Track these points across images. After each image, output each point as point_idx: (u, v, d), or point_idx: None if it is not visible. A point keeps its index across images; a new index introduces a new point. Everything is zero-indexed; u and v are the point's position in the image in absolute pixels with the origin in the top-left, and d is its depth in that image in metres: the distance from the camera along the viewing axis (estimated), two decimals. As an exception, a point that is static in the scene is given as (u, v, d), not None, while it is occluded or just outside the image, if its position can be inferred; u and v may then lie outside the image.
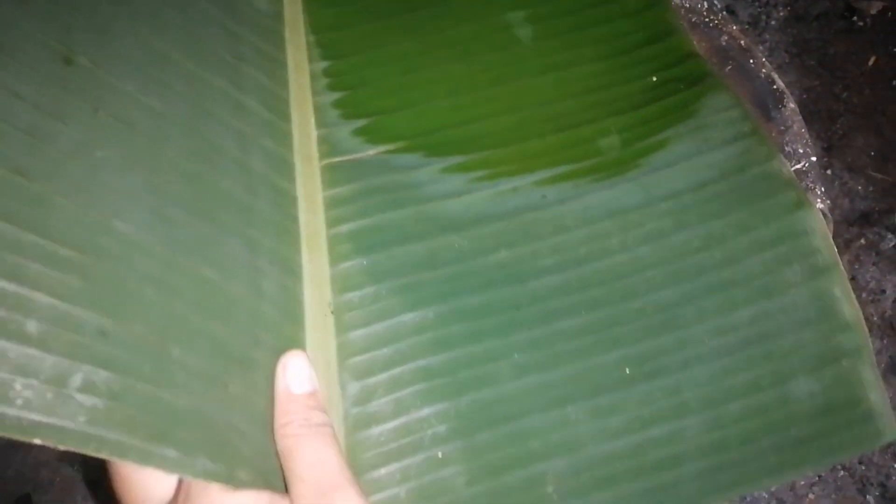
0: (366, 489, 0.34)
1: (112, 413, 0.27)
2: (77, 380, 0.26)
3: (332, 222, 0.40)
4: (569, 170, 0.42)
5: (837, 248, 0.37)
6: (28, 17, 0.33)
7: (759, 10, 1.04)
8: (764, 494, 0.82)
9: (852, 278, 0.89)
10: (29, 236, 0.28)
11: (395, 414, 0.35)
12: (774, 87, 0.45)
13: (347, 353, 0.36)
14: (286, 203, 0.39)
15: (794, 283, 0.37)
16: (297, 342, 0.36)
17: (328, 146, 0.43)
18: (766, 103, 0.45)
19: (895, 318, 0.88)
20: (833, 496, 0.82)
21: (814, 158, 0.43)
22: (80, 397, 0.26)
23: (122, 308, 0.29)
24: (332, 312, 0.37)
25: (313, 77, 0.46)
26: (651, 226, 0.39)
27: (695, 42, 0.47)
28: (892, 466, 0.82)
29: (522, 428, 0.35)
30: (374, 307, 0.37)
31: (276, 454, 0.32)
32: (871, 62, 1.01)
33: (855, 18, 1.03)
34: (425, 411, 0.35)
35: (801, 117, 0.45)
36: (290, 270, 0.37)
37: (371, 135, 0.43)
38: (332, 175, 0.42)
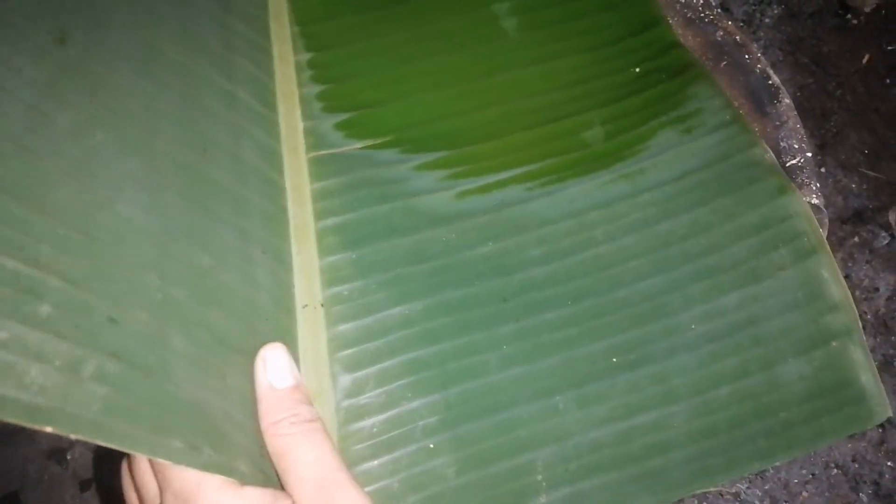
0: (359, 481, 0.34)
1: (122, 403, 0.26)
2: (90, 367, 0.26)
3: (319, 215, 0.40)
4: (554, 162, 0.42)
5: (831, 245, 0.38)
6: None
7: (753, 7, 1.05)
8: (757, 492, 0.83)
9: (846, 276, 0.90)
10: (36, 216, 0.27)
11: (386, 406, 0.36)
12: (769, 82, 0.46)
13: (338, 345, 0.37)
14: (276, 194, 0.39)
15: (781, 266, 0.37)
16: (290, 333, 0.36)
17: (314, 139, 0.43)
18: (761, 98, 0.45)
19: (888, 316, 0.89)
20: (826, 494, 0.82)
21: (809, 154, 0.44)
22: (93, 385, 0.26)
23: (129, 295, 0.29)
24: (321, 305, 0.38)
25: (298, 68, 0.46)
26: (636, 216, 0.40)
27: (689, 37, 0.48)
28: (886, 464, 0.83)
29: (510, 418, 0.35)
30: (363, 301, 0.38)
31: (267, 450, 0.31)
32: (864, 60, 1.01)
33: (849, 16, 1.04)
34: (415, 403, 0.36)
35: (795, 113, 0.46)
36: (282, 261, 0.38)
37: (353, 129, 0.44)
38: (319, 168, 0.42)
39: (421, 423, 0.35)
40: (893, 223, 0.92)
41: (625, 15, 0.47)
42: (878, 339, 0.88)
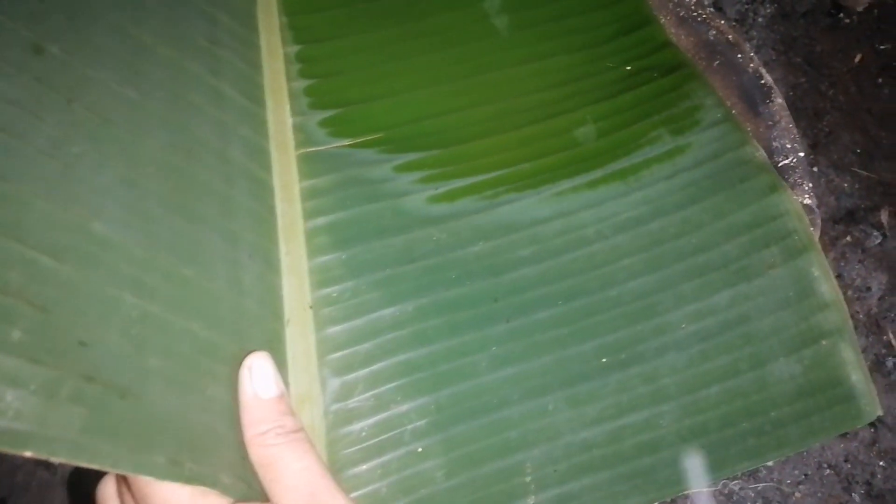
0: (347, 485, 0.34)
1: (100, 423, 0.27)
2: (66, 390, 0.26)
3: (308, 214, 0.40)
4: (545, 161, 0.42)
5: (823, 245, 0.38)
6: None
7: (746, 6, 1.05)
8: (750, 493, 0.83)
9: (838, 276, 0.90)
10: (7, 242, 0.27)
11: (376, 409, 0.36)
12: (762, 82, 0.46)
13: (327, 348, 0.37)
14: (263, 193, 0.39)
15: (771, 265, 0.37)
16: (278, 337, 0.36)
17: (303, 135, 0.43)
18: (754, 98, 0.46)
19: (881, 316, 0.90)
20: (819, 494, 0.83)
21: (801, 154, 0.44)
22: (70, 407, 0.26)
23: (100, 316, 0.29)
24: (310, 307, 0.37)
25: (287, 61, 0.45)
26: (628, 214, 0.40)
27: (682, 36, 0.48)
28: (878, 464, 0.84)
29: (500, 419, 0.35)
30: (353, 302, 0.38)
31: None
32: (857, 59, 1.02)
33: (841, 15, 1.04)
34: (405, 406, 0.36)
35: (788, 113, 0.46)
36: (269, 264, 0.38)
37: (338, 127, 0.43)
38: (309, 165, 0.42)
39: (410, 426, 0.35)
40: (886, 223, 0.93)
41: (616, 13, 0.48)
42: (870, 339, 0.88)
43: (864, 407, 0.35)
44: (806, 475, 0.83)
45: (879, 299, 0.90)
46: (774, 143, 0.44)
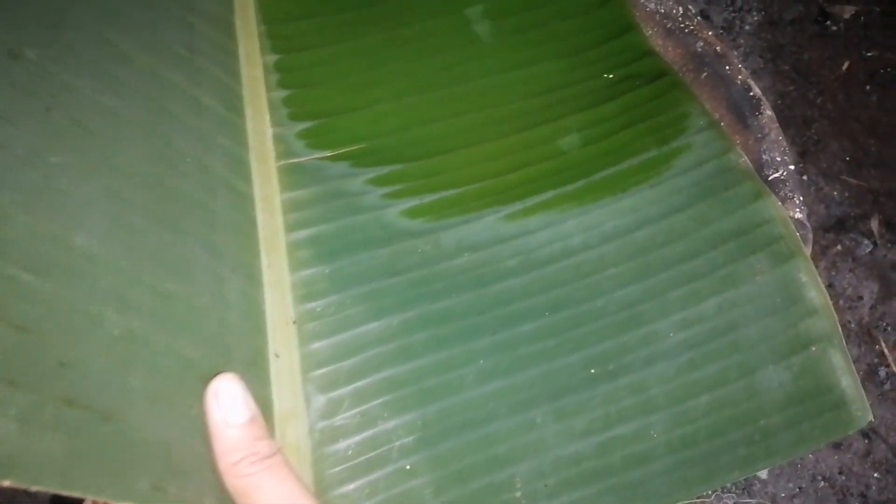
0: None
1: (82, 449, 0.26)
2: (46, 415, 0.26)
3: (290, 227, 0.40)
4: (529, 171, 0.42)
5: (813, 254, 0.39)
6: None
7: (733, 14, 1.07)
8: (744, 507, 0.83)
9: (829, 285, 0.91)
10: None
11: (362, 427, 0.35)
12: (751, 94, 0.47)
13: (311, 364, 0.37)
14: (244, 205, 0.39)
15: (758, 272, 0.38)
16: (261, 354, 0.36)
17: (284, 146, 0.43)
18: (743, 110, 0.46)
19: (872, 325, 0.91)
20: (814, 507, 0.83)
21: (792, 167, 0.45)
22: (50, 434, 0.25)
23: (81, 335, 0.28)
24: (294, 322, 0.37)
25: (266, 70, 0.45)
26: (613, 223, 0.40)
27: (669, 48, 0.49)
28: (873, 476, 0.84)
29: (488, 434, 0.35)
30: (338, 316, 0.38)
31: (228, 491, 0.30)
32: (845, 67, 1.04)
33: (829, 23, 1.06)
34: (392, 423, 0.36)
35: (777, 125, 0.46)
36: (251, 277, 0.37)
37: (317, 139, 0.43)
38: (290, 177, 0.42)
39: (397, 442, 0.35)
40: (876, 231, 0.94)
41: (598, 20, 0.48)
42: (862, 349, 0.89)
43: (856, 413, 0.35)
44: (800, 488, 0.84)
45: (871, 308, 0.91)
46: (764, 156, 0.45)
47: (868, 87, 1.02)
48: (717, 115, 0.45)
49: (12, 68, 0.32)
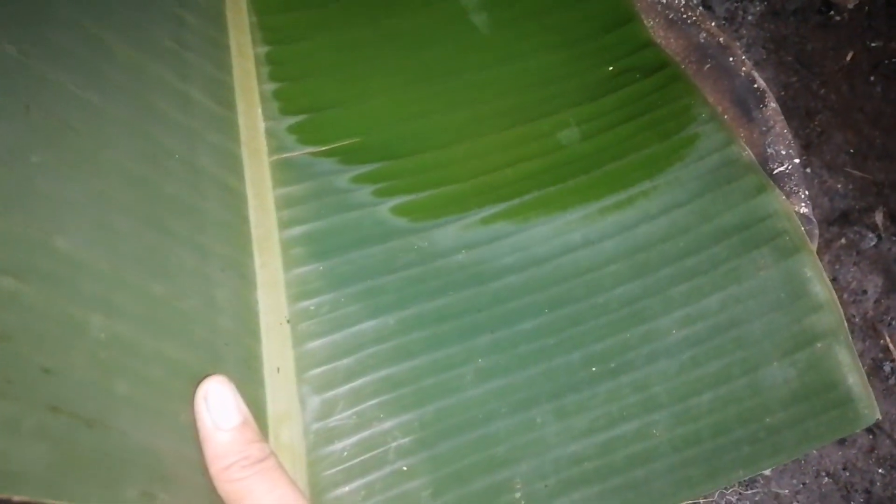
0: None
1: (67, 457, 0.26)
2: (30, 423, 0.25)
3: (284, 223, 0.39)
4: (528, 166, 0.42)
5: (817, 248, 0.38)
6: None
7: (735, 4, 1.06)
8: (747, 503, 0.83)
9: (833, 279, 0.91)
10: None
11: (358, 428, 0.35)
12: (755, 85, 0.46)
13: (306, 364, 0.36)
14: (236, 203, 0.39)
15: (762, 267, 0.38)
16: (254, 355, 0.35)
17: (276, 141, 0.42)
18: (747, 103, 0.46)
19: (877, 320, 0.90)
20: (818, 503, 0.83)
21: (797, 161, 0.44)
22: (34, 442, 0.25)
23: (65, 340, 0.28)
24: (287, 321, 0.37)
25: (258, 62, 0.45)
26: (613, 219, 0.40)
27: (672, 40, 0.48)
28: (877, 472, 0.84)
29: (487, 434, 0.35)
30: (333, 315, 0.37)
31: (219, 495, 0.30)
32: (848, 57, 1.03)
33: (832, 13, 1.05)
34: (388, 424, 0.35)
35: (783, 118, 0.46)
36: (243, 277, 0.37)
37: (308, 133, 0.43)
38: (283, 172, 0.41)
39: (394, 444, 0.35)
40: (880, 224, 0.94)
41: (598, 10, 0.48)
42: (866, 343, 0.89)
43: (862, 410, 0.35)
44: (804, 484, 0.84)
45: (875, 302, 0.91)
46: (769, 150, 0.44)
47: (872, 78, 1.02)
48: (720, 108, 0.44)
49: None
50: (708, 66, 0.47)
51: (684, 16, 0.48)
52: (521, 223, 0.40)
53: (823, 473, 0.84)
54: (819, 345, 0.36)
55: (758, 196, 0.39)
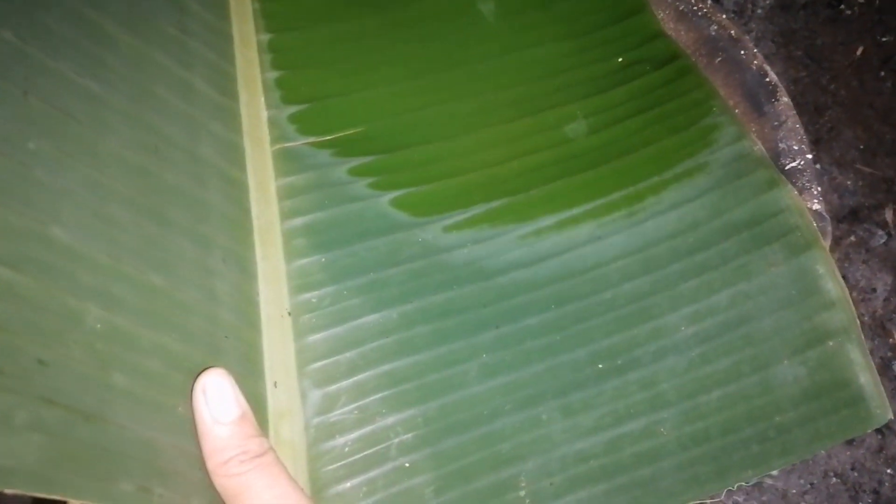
0: (330, 504, 0.33)
1: (62, 450, 0.26)
2: (23, 415, 0.25)
3: (286, 214, 0.39)
4: (534, 159, 0.42)
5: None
6: None
7: (744, -2, 1.06)
8: (755, 503, 0.83)
9: (842, 277, 0.90)
10: None
11: (360, 423, 0.35)
12: (767, 79, 0.46)
13: (307, 358, 0.36)
14: (237, 193, 0.38)
15: (773, 263, 0.37)
16: (255, 347, 0.35)
17: (278, 130, 0.42)
18: (759, 97, 0.45)
19: (886, 318, 0.90)
20: (825, 503, 0.83)
21: (809, 156, 0.44)
22: (27, 434, 0.25)
23: (61, 331, 0.28)
24: (289, 314, 0.37)
25: (260, 50, 0.44)
26: (621, 213, 0.39)
27: (682, 32, 0.48)
28: (886, 472, 0.84)
29: (492, 431, 0.35)
30: (335, 308, 0.37)
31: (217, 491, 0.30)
32: (858, 52, 1.02)
33: (842, 7, 1.05)
34: (391, 419, 0.35)
35: (794, 112, 0.46)
36: (244, 269, 0.37)
37: (306, 123, 0.42)
38: (285, 162, 0.41)
39: (397, 440, 0.35)
40: (891, 221, 0.93)
41: (605, 1, 0.47)
42: (875, 342, 0.88)
43: (874, 410, 0.35)
44: (812, 484, 0.83)
45: (885, 300, 0.90)
46: (781, 145, 0.44)
47: (882, 73, 1.01)
48: (731, 102, 0.44)
49: None
50: (719, 59, 0.47)
51: (695, 7, 0.48)
52: (527, 217, 0.40)
53: (831, 473, 0.84)
54: (830, 343, 0.36)
55: (769, 191, 0.39)
